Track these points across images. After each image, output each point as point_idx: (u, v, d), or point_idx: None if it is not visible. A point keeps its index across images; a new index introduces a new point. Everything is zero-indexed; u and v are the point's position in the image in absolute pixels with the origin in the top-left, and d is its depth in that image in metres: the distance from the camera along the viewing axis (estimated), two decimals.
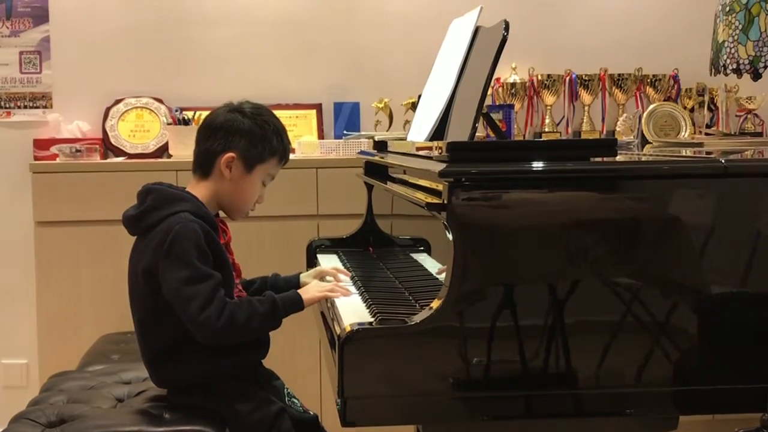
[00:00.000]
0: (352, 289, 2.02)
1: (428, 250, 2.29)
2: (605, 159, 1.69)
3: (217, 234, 1.95)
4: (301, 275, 2.22)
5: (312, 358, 3.12)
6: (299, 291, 1.97)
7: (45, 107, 3.52)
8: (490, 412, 1.60)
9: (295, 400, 2.13)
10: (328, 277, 2.17)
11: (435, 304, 1.57)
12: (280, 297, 1.92)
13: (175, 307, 1.87)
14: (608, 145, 1.72)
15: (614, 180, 1.64)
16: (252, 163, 2.01)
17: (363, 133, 3.40)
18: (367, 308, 1.81)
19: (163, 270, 1.87)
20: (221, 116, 2.03)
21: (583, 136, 3.54)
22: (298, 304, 1.93)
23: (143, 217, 1.95)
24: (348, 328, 1.56)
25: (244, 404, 1.95)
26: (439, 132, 2.09)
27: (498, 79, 3.57)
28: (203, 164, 2.03)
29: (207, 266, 1.87)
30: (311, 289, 1.99)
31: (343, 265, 2.36)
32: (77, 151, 3.26)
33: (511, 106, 3.45)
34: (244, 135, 2.00)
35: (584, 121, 3.60)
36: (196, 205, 1.94)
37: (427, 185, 1.80)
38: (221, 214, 2.09)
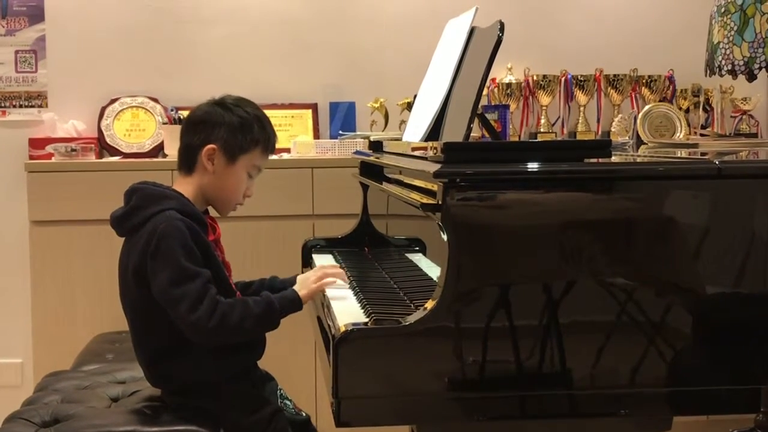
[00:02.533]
0: (347, 291, 2.01)
1: (423, 251, 2.29)
2: (599, 160, 1.70)
3: (205, 231, 1.94)
4: (299, 277, 2.21)
5: (307, 358, 3.12)
6: (295, 287, 1.95)
7: (40, 106, 3.51)
8: (484, 413, 1.60)
9: (288, 402, 2.12)
10: None
11: (429, 304, 1.57)
12: (277, 297, 1.91)
13: (165, 308, 1.86)
14: (602, 146, 1.72)
15: (608, 181, 1.64)
16: (234, 153, 2.00)
17: (358, 133, 3.40)
18: (362, 308, 1.80)
19: (151, 271, 1.86)
20: (201, 110, 2.04)
21: (579, 137, 3.54)
22: (295, 303, 1.92)
23: (129, 217, 1.94)
24: (342, 329, 1.56)
25: (239, 405, 1.95)
26: (434, 132, 2.09)
27: (493, 80, 3.57)
28: (186, 160, 2.02)
29: (195, 264, 1.85)
30: (308, 282, 1.96)
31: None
32: (72, 150, 3.25)
33: (507, 107, 3.45)
34: (223, 126, 1.99)
35: (579, 121, 3.60)
36: (181, 202, 1.93)
37: (422, 186, 1.80)
38: (210, 210, 2.09)
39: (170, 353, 1.93)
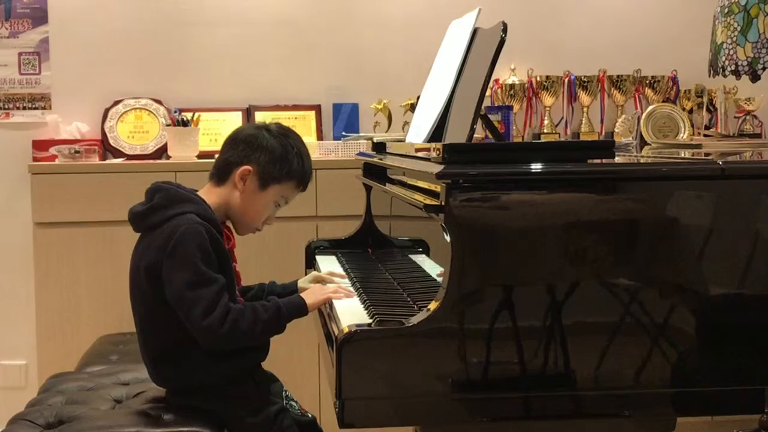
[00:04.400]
0: (351, 290, 2.02)
1: (427, 252, 2.29)
2: (603, 161, 1.70)
3: (222, 238, 1.95)
4: (299, 281, 2.21)
5: (311, 359, 3.12)
6: (302, 295, 1.96)
7: (44, 108, 3.52)
8: (488, 414, 1.60)
9: (293, 403, 2.12)
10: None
11: (433, 305, 1.57)
12: (284, 303, 1.92)
13: (177, 310, 1.86)
14: (605, 146, 1.72)
15: (612, 182, 1.64)
16: (267, 180, 2.02)
17: (362, 134, 3.40)
18: (366, 309, 1.81)
19: (166, 270, 1.87)
20: (248, 130, 2.07)
21: (582, 138, 3.54)
22: (302, 309, 1.93)
23: (149, 214, 1.95)
24: (346, 330, 1.56)
25: (243, 406, 1.96)
26: (437, 133, 2.09)
27: (497, 81, 3.57)
28: (220, 172, 2.04)
29: (211, 269, 1.87)
30: (315, 292, 1.98)
31: (342, 266, 2.36)
32: (76, 152, 3.26)
33: (510, 108, 3.44)
34: (265, 151, 2.01)
35: (583, 122, 3.60)
36: (202, 208, 1.94)
37: (426, 187, 1.80)
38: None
39: (176, 353, 1.94)
